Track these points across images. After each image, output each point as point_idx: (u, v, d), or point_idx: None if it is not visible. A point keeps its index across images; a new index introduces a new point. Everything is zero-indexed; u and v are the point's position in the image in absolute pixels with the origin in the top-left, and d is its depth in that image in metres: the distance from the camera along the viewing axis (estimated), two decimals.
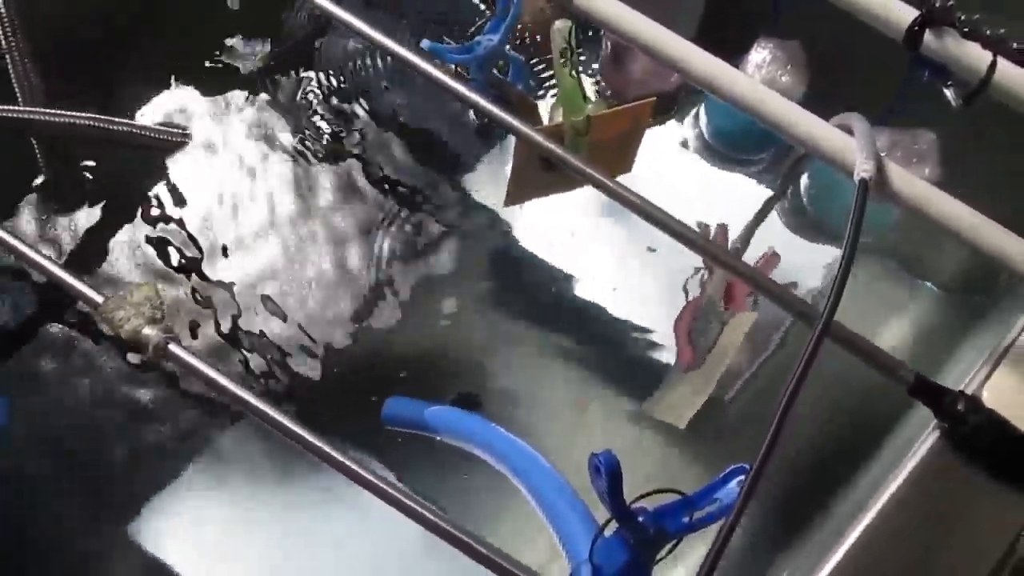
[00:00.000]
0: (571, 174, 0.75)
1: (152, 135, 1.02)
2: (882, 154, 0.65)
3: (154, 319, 0.69)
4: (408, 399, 0.82)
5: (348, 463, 0.62)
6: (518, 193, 0.90)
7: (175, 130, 1.03)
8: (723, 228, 0.95)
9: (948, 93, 0.67)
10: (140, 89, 1.06)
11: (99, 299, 0.70)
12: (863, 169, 0.59)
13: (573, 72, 0.81)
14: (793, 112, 0.67)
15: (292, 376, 0.92)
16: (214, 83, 1.07)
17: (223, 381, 0.67)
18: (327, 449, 0.63)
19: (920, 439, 0.63)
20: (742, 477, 0.53)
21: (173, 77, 1.06)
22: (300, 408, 0.89)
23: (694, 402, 0.87)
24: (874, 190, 0.60)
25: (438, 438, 0.78)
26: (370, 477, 0.62)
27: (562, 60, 0.81)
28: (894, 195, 0.62)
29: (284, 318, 0.95)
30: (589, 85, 1.04)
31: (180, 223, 0.99)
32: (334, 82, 1.08)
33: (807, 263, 0.96)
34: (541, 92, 1.05)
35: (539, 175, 0.87)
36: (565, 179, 0.87)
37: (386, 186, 1.02)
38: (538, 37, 1.02)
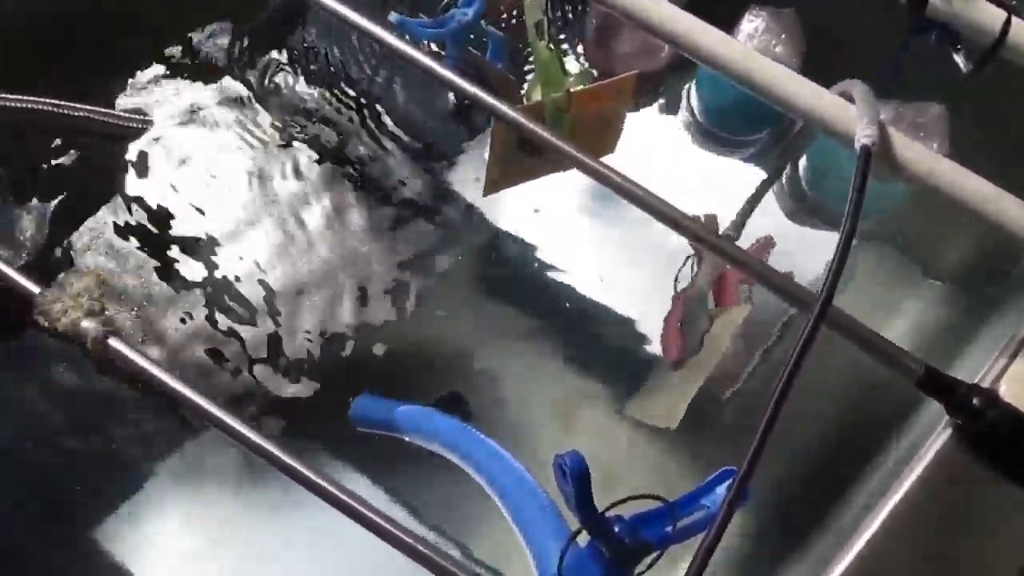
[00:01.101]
0: (554, 156, 0.71)
1: (112, 121, 0.97)
2: None
3: (93, 311, 0.66)
4: (378, 397, 0.78)
5: (298, 467, 0.58)
6: (497, 181, 0.86)
7: (136, 116, 0.99)
8: (711, 219, 0.90)
9: (957, 58, 0.62)
10: (107, 77, 1.02)
11: (36, 290, 0.66)
12: (865, 135, 0.54)
13: (550, 45, 0.77)
14: (789, 80, 0.62)
15: (269, 376, 0.88)
16: (182, 69, 1.03)
17: (166, 378, 0.64)
18: (275, 451, 0.59)
19: (931, 437, 0.59)
20: (731, 481, 0.47)
21: (141, 62, 1.02)
22: (279, 409, 0.86)
23: (681, 402, 0.83)
24: (877, 160, 0.55)
25: (407, 439, 0.73)
26: (322, 482, 0.58)
27: (537, 33, 0.77)
28: (899, 166, 0.56)
29: (255, 316, 0.91)
30: (573, 63, 0.99)
31: (150, 212, 0.95)
32: (304, 64, 1.04)
33: (806, 251, 0.92)
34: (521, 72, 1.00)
35: (519, 160, 0.83)
36: (546, 163, 0.84)
37: (359, 174, 0.98)
38: (515, 13, 0.97)
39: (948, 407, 0.57)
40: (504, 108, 0.71)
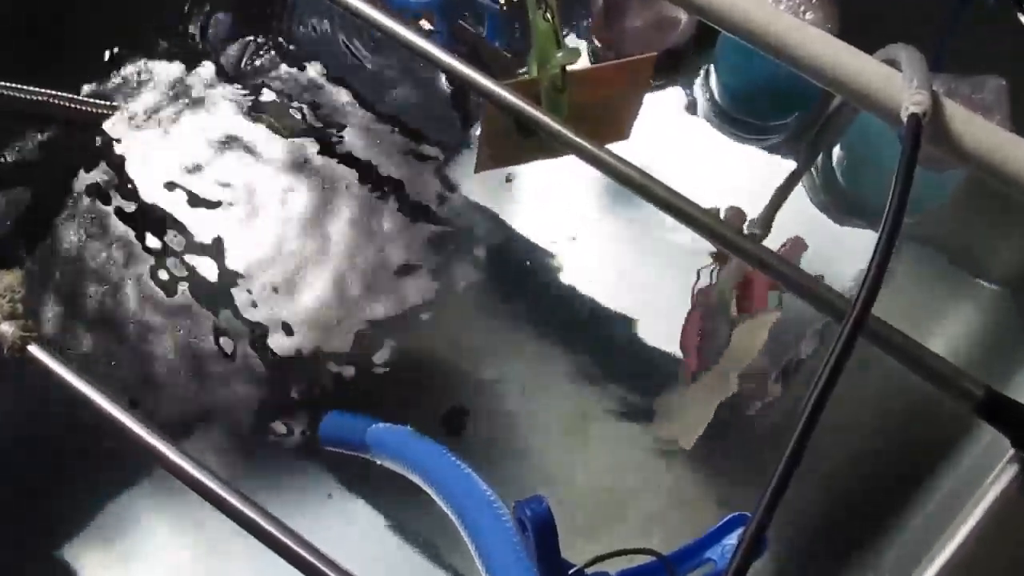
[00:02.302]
0: (549, 139, 0.65)
1: (74, 106, 0.92)
2: None
3: (13, 314, 0.61)
4: (348, 415, 0.69)
5: (219, 490, 0.53)
6: (490, 158, 0.79)
7: (101, 101, 0.93)
8: (737, 212, 0.83)
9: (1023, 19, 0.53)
10: (76, 63, 0.97)
11: None
12: (913, 102, 0.44)
13: (546, 16, 0.69)
14: (823, 44, 0.53)
15: (257, 389, 0.85)
16: (156, 52, 0.98)
17: (88, 392, 0.59)
18: (194, 472, 0.54)
19: (992, 475, 0.50)
20: (743, 530, 0.37)
21: (112, 48, 0.98)
22: (271, 422, 0.83)
23: (699, 419, 0.79)
24: (928, 135, 0.45)
25: (378, 463, 0.66)
26: (248, 511, 0.52)
27: (536, 2, 0.69)
28: (954, 141, 0.46)
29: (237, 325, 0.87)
30: (579, 40, 0.92)
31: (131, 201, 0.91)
32: (285, 44, 0.98)
33: (841, 251, 0.85)
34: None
35: (514, 140, 0.75)
36: (545, 145, 0.77)
37: (347, 165, 0.92)
38: None
39: (1014, 439, 0.49)
40: (490, 85, 0.65)
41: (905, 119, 0.44)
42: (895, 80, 0.49)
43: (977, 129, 0.47)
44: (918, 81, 0.46)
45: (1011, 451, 0.50)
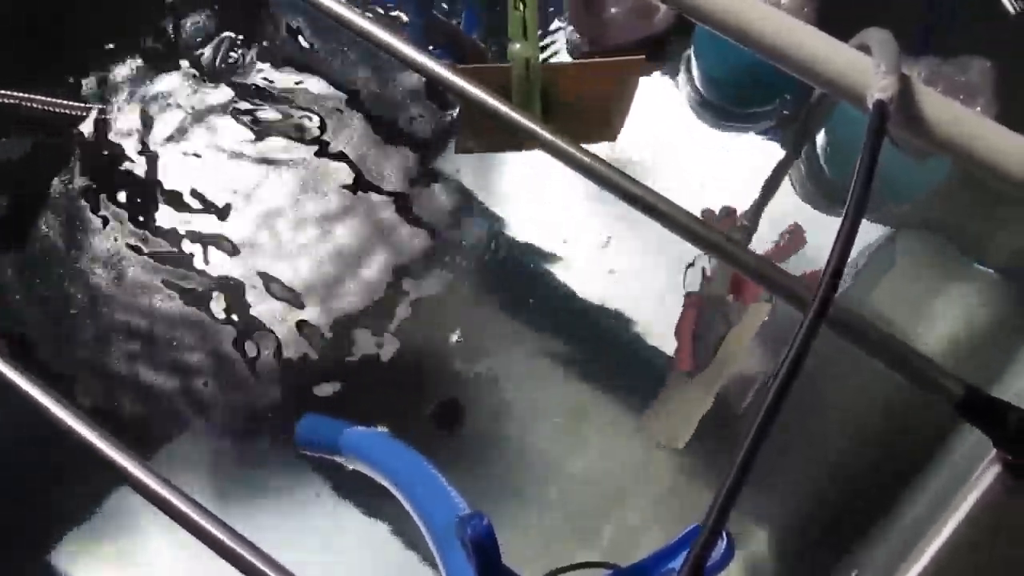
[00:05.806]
0: (518, 134, 0.63)
1: (52, 108, 0.91)
2: None
3: None
4: (324, 418, 0.70)
5: (180, 505, 0.52)
6: (470, 141, 0.78)
7: (75, 103, 0.92)
8: (730, 212, 0.83)
9: (1005, 0, 0.51)
10: (76, 63, 0.97)
11: None
12: (880, 88, 0.43)
13: (519, 4, 0.67)
14: (794, 31, 0.51)
15: (255, 386, 0.85)
16: (149, 53, 0.97)
17: (46, 402, 0.57)
18: (147, 481, 0.53)
19: (974, 475, 0.48)
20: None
21: (110, 48, 0.97)
22: (264, 419, 0.83)
23: (691, 417, 0.78)
24: (898, 122, 0.43)
25: (350, 467, 0.66)
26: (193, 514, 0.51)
27: None
28: (925, 128, 0.45)
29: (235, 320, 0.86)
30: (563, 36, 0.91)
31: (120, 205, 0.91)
32: (259, 40, 0.97)
33: (827, 241, 0.83)
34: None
35: (492, 123, 0.74)
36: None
37: (335, 161, 0.92)
38: None
39: (995, 438, 0.47)
40: (454, 77, 0.62)
41: (871, 105, 0.43)
42: (864, 66, 0.47)
43: (948, 113, 0.45)
44: (886, 66, 0.44)
45: (993, 451, 0.48)
